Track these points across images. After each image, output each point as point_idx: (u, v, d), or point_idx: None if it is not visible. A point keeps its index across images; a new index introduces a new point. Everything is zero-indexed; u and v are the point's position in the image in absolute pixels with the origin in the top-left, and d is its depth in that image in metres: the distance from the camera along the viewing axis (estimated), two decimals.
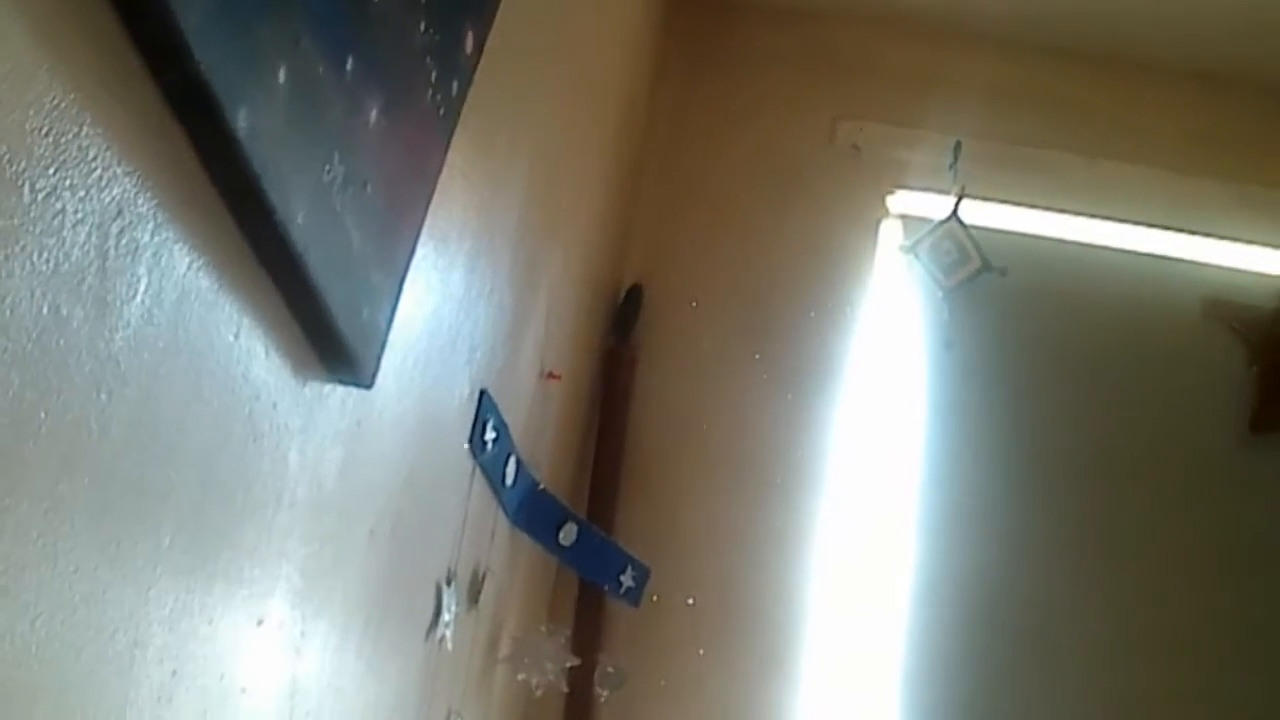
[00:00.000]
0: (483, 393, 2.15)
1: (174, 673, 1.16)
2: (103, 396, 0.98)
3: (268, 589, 1.37)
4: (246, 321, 1.20)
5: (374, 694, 1.83)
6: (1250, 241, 3.68)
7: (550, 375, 2.67)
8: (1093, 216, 3.66)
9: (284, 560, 1.40)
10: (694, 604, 3.21)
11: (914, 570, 3.36)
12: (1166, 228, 3.68)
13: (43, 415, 0.90)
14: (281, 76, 1.08)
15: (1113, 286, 3.56)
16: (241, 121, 1.03)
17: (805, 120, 3.71)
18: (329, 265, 1.25)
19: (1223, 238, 3.68)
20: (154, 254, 1.03)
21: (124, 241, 0.98)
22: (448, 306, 1.89)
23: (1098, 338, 3.53)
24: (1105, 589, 3.34)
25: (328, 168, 1.21)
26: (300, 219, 1.17)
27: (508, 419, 2.33)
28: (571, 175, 2.74)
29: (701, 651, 3.19)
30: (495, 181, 2.07)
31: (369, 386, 1.46)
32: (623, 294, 3.50)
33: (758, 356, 3.46)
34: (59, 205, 0.89)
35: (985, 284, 3.49)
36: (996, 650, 3.26)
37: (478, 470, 2.19)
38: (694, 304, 3.52)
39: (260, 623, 1.35)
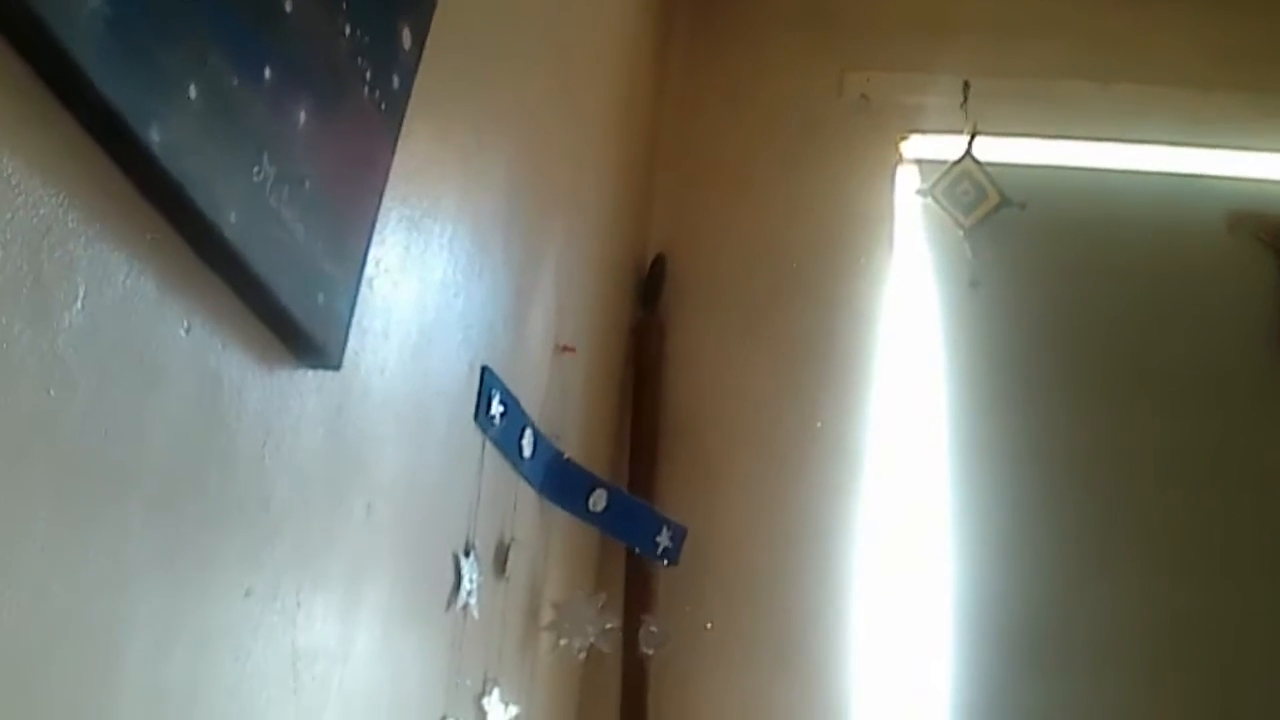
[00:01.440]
0: (484, 369, 2.25)
1: (156, 643, 1.27)
2: (51, 393, 1.09)
3: (253, 562, 1.47)
4: (198, 317, 1.31)
5: (394, 662, 1.93)
6: (1273, 151, 3.68)
7: (565, 349, 2.77)
8: (1110, 141, 3.67)
9: (271, 536, 1.51)
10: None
11: (951, 516, 3.38)
12: (1186, 145, 3.69)
13: None
14: (192, 93, 1.19)
15: (1135, 209, 3.58)
16: (155, 136, 1.14)
17: (813, 76, 3.78)
18: (272, 258, 1.36)
19: (1245, 150, 3.68)
20: (90, 263, 1.14)
21: (57, 255, 1.09)
22: (431, 289, 1.99)
23: (1124, 262, 3.55)
24: (1141, 506, 3.35)
25: (257, 169, 1.32)
26: (233, 218, 1.27)
27: (519, 393, 2.43)
28: (567, 150, 2.82)
29: (709, 625, 3.24)
30: (471, 165, 2.17)
31: (337, 368, 1.57)
32: (648, 265, 3.58)
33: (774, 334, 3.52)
34: None
35: (1006, 219, 3.55)
36: (1033, 573, 3.29)
37: (488, 444, 2.29)
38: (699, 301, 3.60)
39: (248, 593, 1.46)
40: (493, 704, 2.34)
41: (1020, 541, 3.31)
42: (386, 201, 1.73)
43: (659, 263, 3.58)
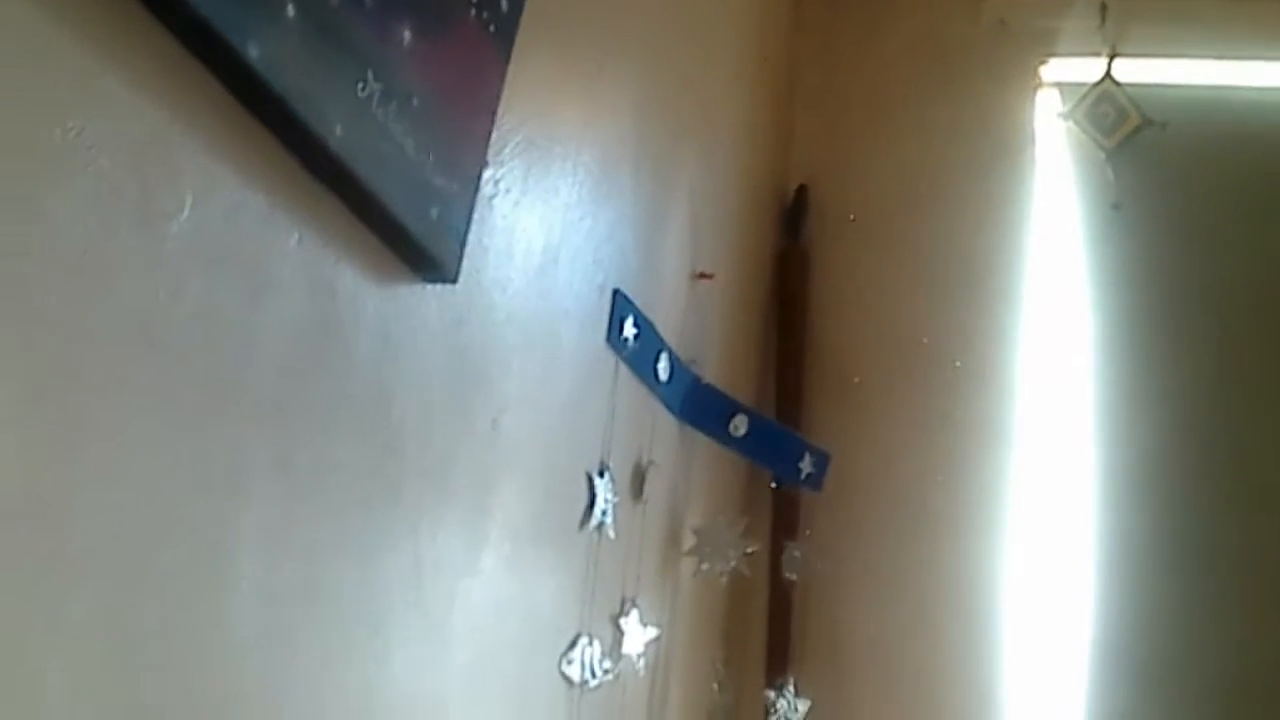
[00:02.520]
0: (615, 291, 2.28)
1: (271, 545, 1.33)
2: (159, 295, 1.15)
3: (373, 469, 1.52)
4: (309, 228, 1.36)
5: (524, 577, 1.98)
6: None
7: (702, 275, 2.79)
8: (1251, 59, 3.57)
9: (391, 444, 1.56)
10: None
11: (1098, 445, 3.34)
12: None
13: (98, 313, 1.07)
14: (290, 11, 1.23)
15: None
16: (254, 51, 1.18)
17: (950, 3, 3.74)
18: (381, 172, 1.40)
19: None
20: (196, 173, 1.19)
21: (162, 165, 1.14)
22: (555, 211, 2.02)
23: (1269, 181, 3.45)
24: None
25: (361, 85, 1.36)
26: (339, 131, 1.32)
27: (655, 318, 2.46)
28: (697, 80, 2.83)
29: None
30: (594, 90, 2.20)
31: (453, 281, 1.61)
32: (791, 195, 3.59)
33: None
34: (89, 141, 1.05)
35: (1147, 140, 3.49)
36: (1184, 516, 3.24)
37: (621, 366, 2.32)
38: (852, 217, 3.58)
39: (367, 500, 1.51)
40: (630, 624, 2.37)
41: (1165, 477, 3.24)
42: (503, 122, 1.77)
43: (802, 192, 3.59)
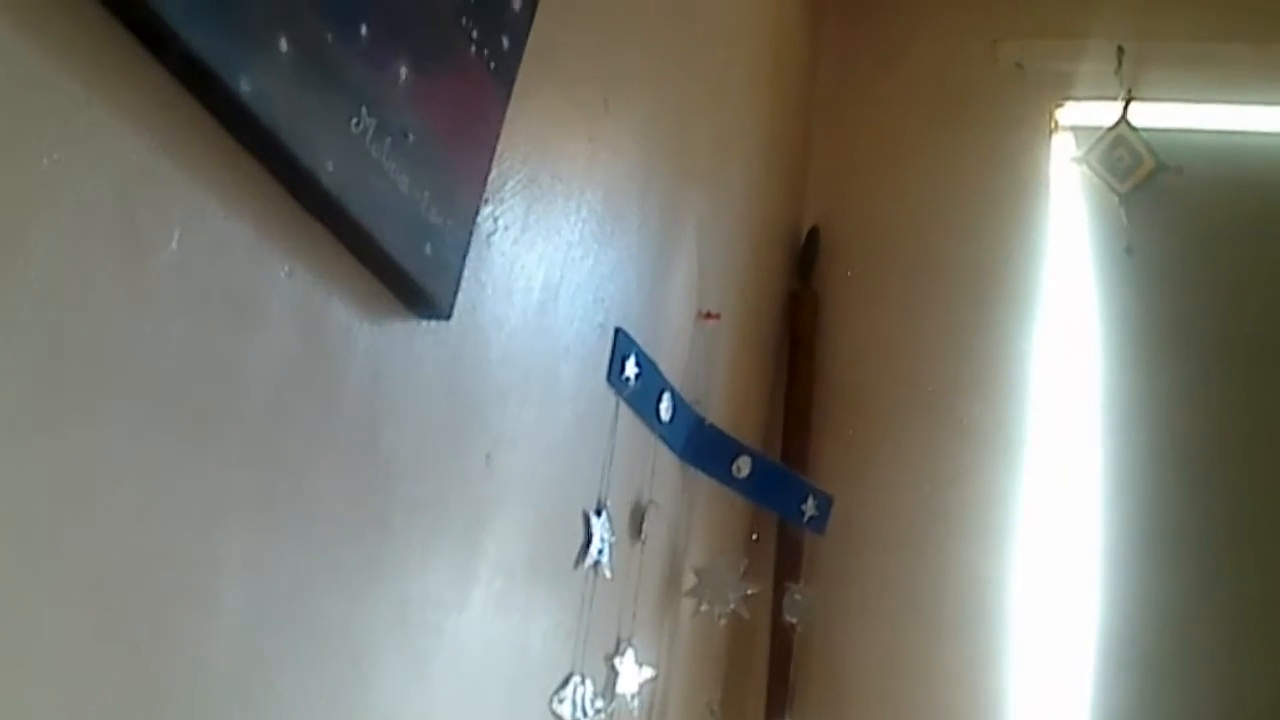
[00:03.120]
0: (617, 330, 2.28)
1: (254, 577, 1.32)
2: (145, 328, 1.15)
3: (360, 503, 1.52)
4: (300, 261, 1.36)
5: (515, 615, 1.97)
6: None
7: (707, 316, 2.79)
8: (1269, 105, 3.56)
9: (382, 478, 1.56)
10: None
11: (1106, 495, 3.32)
12: None
13: (81, 344, 1.07)
14: (283, 45, 1.23)
15: None
16: (244, 86, 1.19)
17: (966, 45, 3.74)
18: (374, 207, 1.41)
19: None
20: (185, 206, 1.19)
21: (150, 197, 1.15)
22: (557, 249, 2.02)
23: None
24: None
25: (355, 120, 1.36)
26: (330, 166, 1.32)
27: (658, 357, 2.46)
28: (709, 120, 2.84)
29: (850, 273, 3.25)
30: (599, 128, 2.19)
31: (447, 318, 1.61)
32: (803, 236, 3.59)
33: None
34: (73, 172, 1.05)
35: (1162, 184, 3.48)
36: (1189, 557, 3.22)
37: (622, 405, 2.32)
38: (849, 272, 3.58)
39: (355, 532, 1.51)
40: (626, 664, 2.36)
41: (1173, 521, 3.23)
42: (504, 160, 1.78)
43: (814, 234, 3.59)
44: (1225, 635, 3.12)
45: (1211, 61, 3.57)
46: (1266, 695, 3.05)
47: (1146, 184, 3.47)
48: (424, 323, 1.62)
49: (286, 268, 1.35)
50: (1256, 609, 3.13)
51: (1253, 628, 3.11)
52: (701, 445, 2.74)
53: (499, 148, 1.71)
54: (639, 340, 2.36)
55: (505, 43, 1.68)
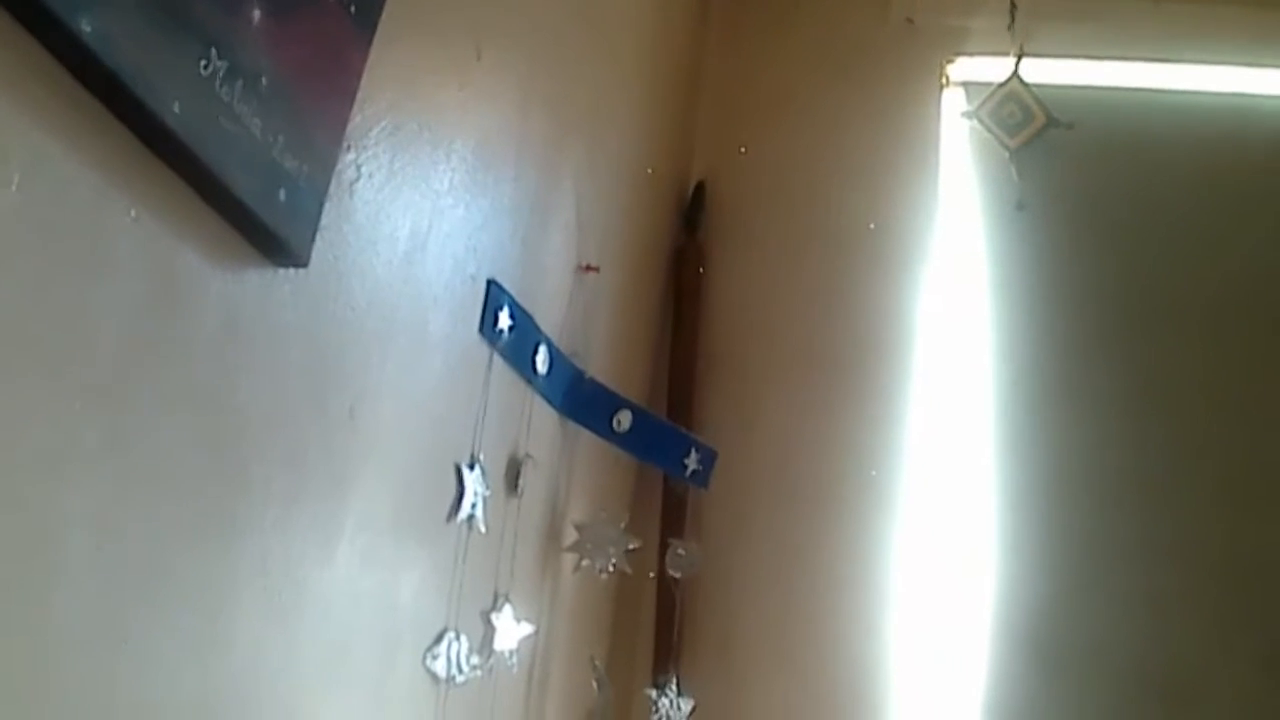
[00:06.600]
0: (490, 282, 2.25)
1: (103, 528, 1.29)
2: None
3: (215, 453, 1.49)
4: (146, 206, 1.32)
5: (384, 569, 1.94)
6: None
7: (587, 268, 2.77)
8: (1161, 61, 3.59)
9: (237, 428, 1.52)
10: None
11: (996, 443, 3.34)
12: (1240, 64, 3.59)
13: None
14: None
15: (1187, 131, 3.49)
16: (86, 26, 1.15)
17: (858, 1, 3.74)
18: (223, 151, 1.37)
19: None
20: (25, 149, 1.15)
21: None
22: (425, 198, 1.99)
23: (1174, 185, 3.46)
24: (1205, 444, 3.28)
25: (204, 62, 1.33)
26: (177, 108, 1.28)
27: (534, 310, 2.43)
28: (591, 72, 2.81)
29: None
30: (472, 77, 2.16)
31: (304, 265, 1.58)
32: (690, 191, 3.58)
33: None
34: None
35: (1053, 140, 3.50)
36: (1084, 512, 3.25)
37: (496, 357, 2.29)
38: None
39: (210, 483, 1.47)
40: (503, 619, 2.34)
41: (1064, 476, 3.26)
42: (367, 106, 1.74)
43: (700, 189, 3.58)
44: (1120, 578, 3.16)
45: (1104, 18, 3.58)
46: (1163, 672, 3.10)
47: (1037, 139, 3.50)
48: (281, 271, 1.58)
49: (133, 212, 1.31)
50: (1147, 551, 3.17)
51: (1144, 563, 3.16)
52: (581, 399, 2.72)
53: (361, 94, 1.68)
54: (514, 292, 2.33)
55: None
